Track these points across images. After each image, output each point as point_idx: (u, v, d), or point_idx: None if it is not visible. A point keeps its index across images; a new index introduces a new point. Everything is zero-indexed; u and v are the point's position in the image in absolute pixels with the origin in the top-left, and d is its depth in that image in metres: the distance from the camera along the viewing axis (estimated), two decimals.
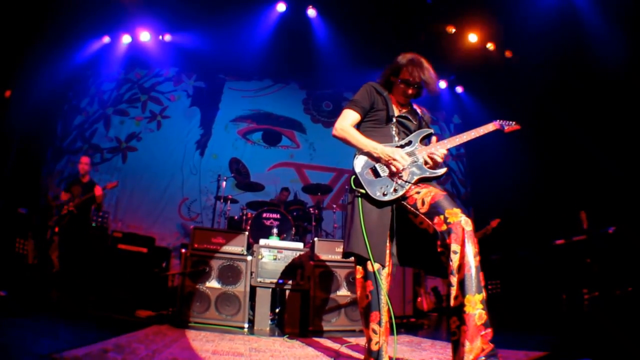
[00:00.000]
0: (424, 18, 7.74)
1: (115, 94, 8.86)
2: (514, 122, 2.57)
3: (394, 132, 2.50)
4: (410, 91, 2.50)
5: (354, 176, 2.37)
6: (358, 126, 2.54)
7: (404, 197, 2.30)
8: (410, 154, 2.36)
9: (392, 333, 2.27)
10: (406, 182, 2.29)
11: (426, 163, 2.36)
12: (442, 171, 2.35)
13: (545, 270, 6.12)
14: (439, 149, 2.34)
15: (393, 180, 2.30)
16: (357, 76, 6.95)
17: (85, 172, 6.02)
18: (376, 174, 2.34)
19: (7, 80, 6.45)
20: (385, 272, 2.29)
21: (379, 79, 2.65)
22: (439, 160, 2.33)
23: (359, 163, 2.38)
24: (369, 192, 2.29)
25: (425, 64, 2.47)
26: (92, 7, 7.29)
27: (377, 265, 2.23)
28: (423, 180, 2.34)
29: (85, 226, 5.89)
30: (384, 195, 2.27)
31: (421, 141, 2.45)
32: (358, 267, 2.34)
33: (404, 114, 2.56)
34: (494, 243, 6.61)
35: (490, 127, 2.49)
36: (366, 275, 2.27)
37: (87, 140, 8.43)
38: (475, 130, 2.43)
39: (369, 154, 2.37)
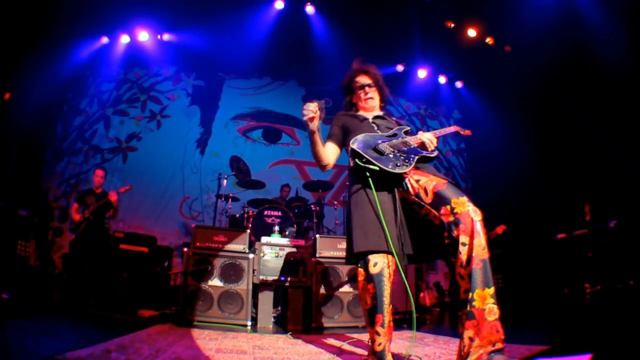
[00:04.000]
0: (422, 14, 7.72)
1: (114, 94, 8.86)
2: (468, 129, 2.87)
3: (375, 128, 2.54)
4: (366, 92, 2.65)
5: (357, 158, 2.27)
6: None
7: (405, 186, 2.25)
8: (402, 142, 2.41)
9: (393, 329, 2.27)
10: (411, 155, 2.32)
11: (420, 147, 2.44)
12: (436, 152, 2.44)
13: (547, 264, 6.12)
14: (427, 134, 2.46)
15: (398, 155, 2.29)
16: None
17: (100, 185, 5.96)
18: (380, 152, 2.29)
19: (7, 83, 6.45)
20: (388, 272, 2.19)
21: (344, 103, 2.83)
22: (432, 145, 2.43)
23: (358, 145, 2.31)
24: (381, 165, 2.21)
25: (367, 67, 2.70)
26: (90, 8, 7.28)
27: (381, 266, 2.17)
28: (422, 161, 2.36)
29: (101, 233, 5.77)
30: (397, 166, 2.23)
31: (404, 134, 2.52)
32: (360, 269, 2.26)
33: (378, 115, 2.65)
34: (496, 237, 6.61)
35: (451, 129, 2.78)
36: (368, 278, 2.19)
37: (87, 141, 8.43)
38: (443, 129, 2.70)
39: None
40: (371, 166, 2.23)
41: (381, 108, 2.76)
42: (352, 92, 2.73)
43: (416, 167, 2.31)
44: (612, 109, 6.22)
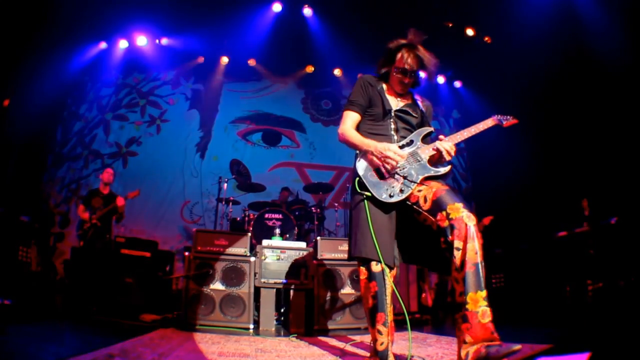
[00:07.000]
0: (420, 13, 7.72)
1: (113, 99, 8.87)
2: (511, 117, 2.53)
3: (391, 129, 2.43)
4: (406, 80, 2.42)
5: (357, 178, 2.30)
6: (359, 125, 2.49)
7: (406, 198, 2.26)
8: (412, 154, 2.31)
9: (395, 330, 2.28)
10: (412, 182, 2.23)
11: (430, 162, 2.31)
12: (446, 169, 2.31)
13: (549, 262, 6.11)
14: (446, 143, 2.28)
15: (398, 181, 2.24)
16: (355, 73, 6.95)
17: (109, 183, 5.94)
18: (380, 175, 2.27)
19: (6, 89, 6.45)
20: (389, 271, 2.24)
21: (377, 67, 2.57)
22: (449, 156, 2.27)
23: (362, 165, 2.32)
24: (374, 194, 2.24)
25: (421, 49, 2.39)
26: (88, 13, 7.28)
27: (381, 266, 2.20)
28: (427, 179, 2.28)
29: (108, 238, 5.74)
30: (390, 196, 2.22)
31: (422, 140, 2.39)
32: (362, 268, 2.30)
33: (403, 108, 2.47)
34: (498, 236, 6.59)
35: (489, 123, 2.47)
36: (370, 277, 2.24)
37: (87, 146, 8.43)
38: (475, 127, 2.42)
39: (365, 153, 2.32)
40: (365, 192, 2.27)
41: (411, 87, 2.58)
42: (392, 62, 2.44)
43: None
44: (612, 105, 6.22)
